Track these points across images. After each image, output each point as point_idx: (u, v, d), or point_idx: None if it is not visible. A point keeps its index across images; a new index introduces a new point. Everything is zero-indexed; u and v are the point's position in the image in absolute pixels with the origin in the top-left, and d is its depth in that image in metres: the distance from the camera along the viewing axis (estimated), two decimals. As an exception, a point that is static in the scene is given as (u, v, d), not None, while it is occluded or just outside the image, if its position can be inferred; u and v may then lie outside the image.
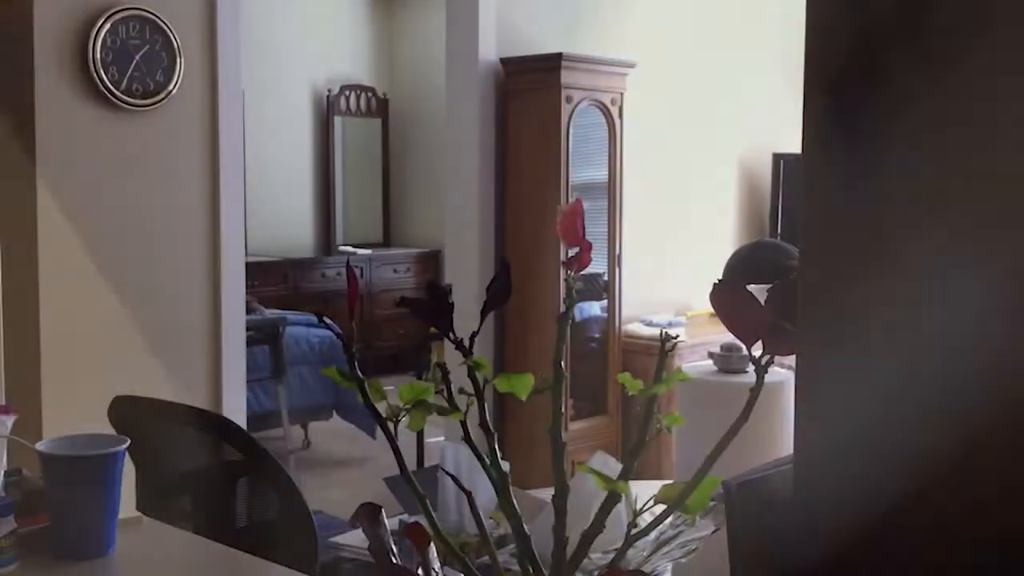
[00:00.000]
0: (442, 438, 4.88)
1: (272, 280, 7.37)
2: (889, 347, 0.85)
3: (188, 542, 1.66)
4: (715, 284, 0.97)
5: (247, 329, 4.76)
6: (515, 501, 1.07)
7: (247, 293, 4.81)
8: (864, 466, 0.87)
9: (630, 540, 1.03)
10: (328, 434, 5.95)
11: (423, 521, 1.08)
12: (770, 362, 0.98)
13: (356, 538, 2.29)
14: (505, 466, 1.12)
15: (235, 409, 3.50)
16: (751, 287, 0.99)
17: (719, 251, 5.38)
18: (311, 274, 7.76)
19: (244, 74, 3.60)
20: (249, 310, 4.75)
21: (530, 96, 4.50)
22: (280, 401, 5.31)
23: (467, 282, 4.54)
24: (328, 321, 1.26)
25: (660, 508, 1.01)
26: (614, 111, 4.67)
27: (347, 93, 8.22)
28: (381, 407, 1.07)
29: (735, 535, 0.90)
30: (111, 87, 3.16)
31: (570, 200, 4.34)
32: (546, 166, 4.46)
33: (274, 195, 7.77)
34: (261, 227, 7.38)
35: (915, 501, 0.84)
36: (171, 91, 3.29)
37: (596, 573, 1.10)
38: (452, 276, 4.66)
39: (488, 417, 1.07)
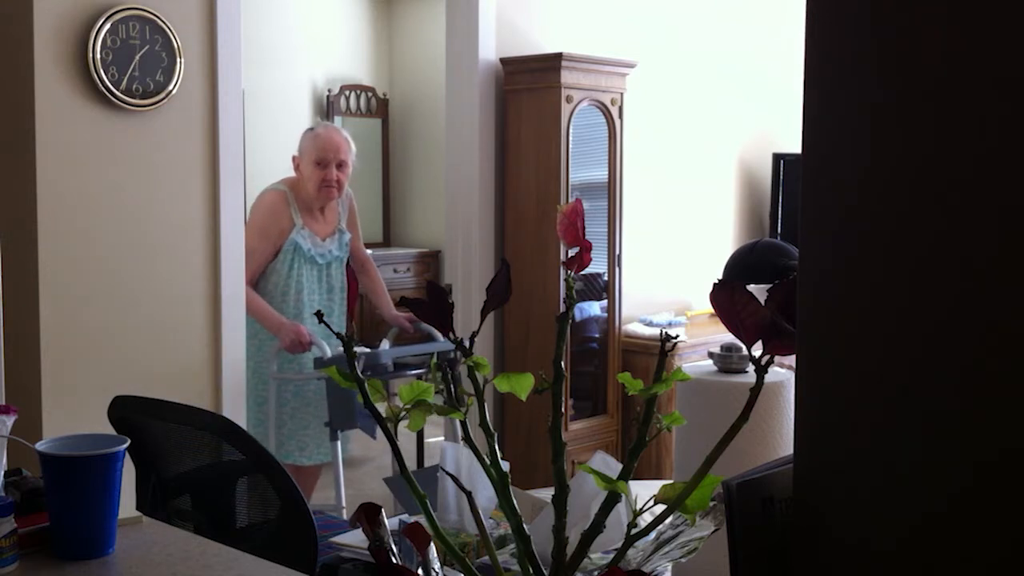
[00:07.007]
0: (441, 438, 4.88)
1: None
2: (889, 346, 0.85)
3: (188, 542, 1.66)
4: (715, 284, 0.97)
5: (418, 355, 4.52)
6: (515, 501, 1.07)
7: (422, 320, 4.55)
8: (864, 465, 0.87)
9: (630, 540, 1.03)
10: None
11: (423, 521, 1.08)
12: (770, 362, 0.98)
13: (356, 538, 2.29)
14: (505, 466, 1.12)
15: (235, 409, 3.50)
16: (751, 287, 0.99)
17: (719, 251, 5.39)
18: (311, 274, 7.75)
19: (244, 74, 3.59)
20: (430, 337, 4.39)
21: (530, 96, 4.50)
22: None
23: (467, 282, 4.54)
24: (327, 321, 1.26)
25: (660, 508, 1.01)
26: (614, 111, 4.67)
27: (347, 93, 8.22)
28: (381, 407, 1.08)
29: (735, 535, 0.90)
30: (111, 87, 3.16)
31: (570, 200, 4.34)
32: (546, 166, 4.46)
33: (274, 195, 7.76)
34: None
35: (915, 500, 0.84)
36: (171, 91, 3.29)
37: (596, 573, 1.10)
38: (452, 276, 4.66)
39: (488, 417, 1.07)
